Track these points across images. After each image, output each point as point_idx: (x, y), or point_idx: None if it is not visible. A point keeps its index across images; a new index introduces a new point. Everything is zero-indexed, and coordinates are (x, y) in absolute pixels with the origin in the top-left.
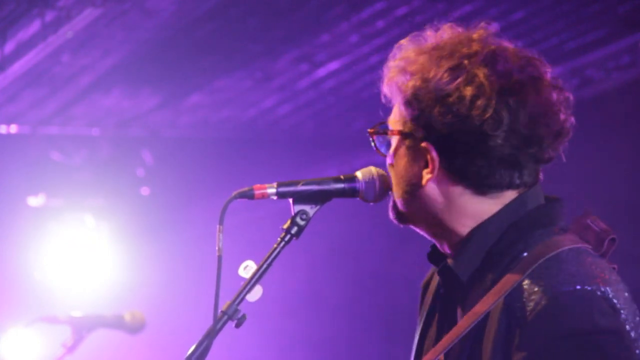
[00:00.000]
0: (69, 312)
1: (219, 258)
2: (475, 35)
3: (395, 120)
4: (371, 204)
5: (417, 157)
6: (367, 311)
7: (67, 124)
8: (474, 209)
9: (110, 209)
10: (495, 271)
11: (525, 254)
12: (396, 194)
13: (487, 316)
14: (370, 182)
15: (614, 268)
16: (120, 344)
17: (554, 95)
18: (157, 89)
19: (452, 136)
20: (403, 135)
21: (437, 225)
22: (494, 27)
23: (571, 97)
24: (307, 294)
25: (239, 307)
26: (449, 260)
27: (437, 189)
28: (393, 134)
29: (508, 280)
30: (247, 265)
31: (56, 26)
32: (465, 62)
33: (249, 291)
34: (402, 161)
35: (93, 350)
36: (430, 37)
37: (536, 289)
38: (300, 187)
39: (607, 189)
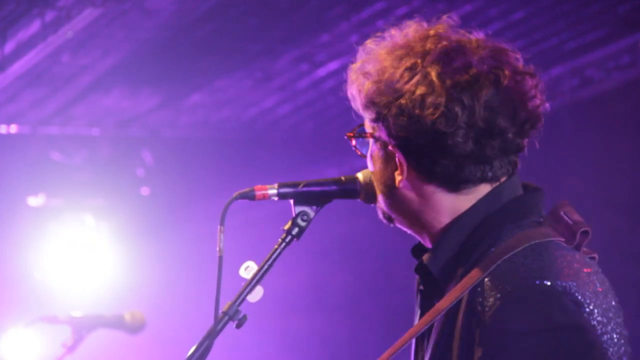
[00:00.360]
0: (69, 312)
1: (220, 258)
2: (432, 32)
3: (367, 123)
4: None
5: (389, 159)
6: (368, 311)
7: (67, 124)
8: (449, 206)
9: (110, 209)
10: (465, 265)
11: (493, 249)
12: (378, 195)
13: (456, 313)
14: (371, 183)
15: (593, 257)
16: (120, 344)
17: (521, 83)
18: (157, 89)
19: (410, 138)
20: (374, 138)
21: (417, 223)
22: (454, 18)
23: (542, 83)
24: (308, 294)
25: (239, 308)
26: (425, 256)
27: (410, 189)
28: (366, 137)
29: (473, 276)
30: (248, 266)
31: (56, 26)
32: (419, 61)
33: (249, 292)
34: (377, 163)
35: (93, 350)
36: (395, 36)
37: (496, 285)
38: (301, 188)
39: (607, 189)
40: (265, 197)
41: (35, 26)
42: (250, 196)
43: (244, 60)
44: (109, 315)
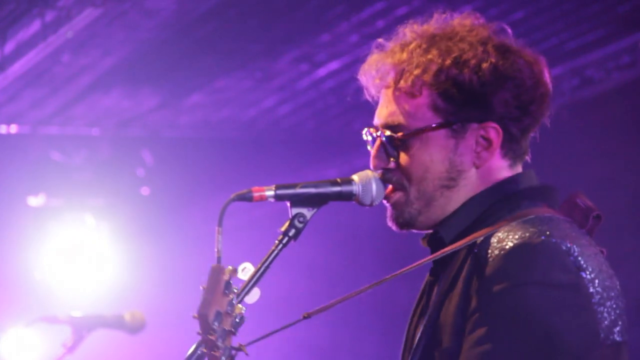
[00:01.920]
0: (69, 312)
1: (218, 259)
2: (487, 25)
3: (419, 116)
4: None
5: (469, 142)
6: (366, 312)
7: (67, 124)
8: (500, 179)
9: (110, 209)
10: (475, 230)
11: (507, 216)
12: (422, 193)
13: (462, 265)
14: (366, 185)
15: (602, 251)
16: (120, 344)
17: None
18: (157, 89)
19: (510, 110)
20: (446, 125)
21: (454, 208)
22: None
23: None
24: (306, 295)
25: None
26: (439, 228)
27: (485, 168)
28: (428, 131)
29: (482, 232)
30: (244, 268)
31: (56, 26)
32: (497, 42)
33: (247, 293)
34: (444, 153)
35: (93, 350)
36: (413, 32)
37: (505, 237)
38: (297, 190)
39: (607, 189)
40: (263, 199)
41: (35, 26)
42: (247, 198)
43: (244, 60)
44: (109, 315)
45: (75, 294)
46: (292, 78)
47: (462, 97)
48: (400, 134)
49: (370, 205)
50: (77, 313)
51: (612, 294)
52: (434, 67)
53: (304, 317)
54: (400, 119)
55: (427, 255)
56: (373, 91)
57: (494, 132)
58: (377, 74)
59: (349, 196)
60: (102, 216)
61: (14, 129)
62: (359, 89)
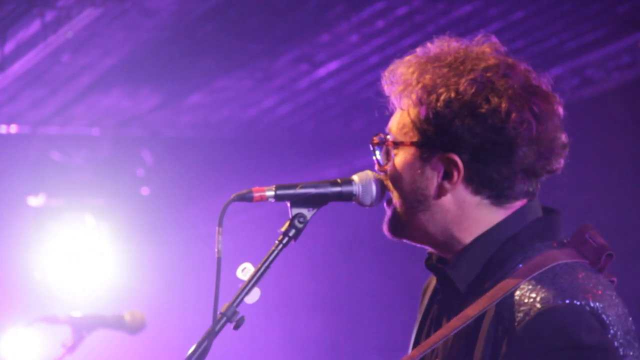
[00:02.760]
0: (69, 312)
1: (219, 260)
2: (487, 49)
3: (405, 131)
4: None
5: (435, 168)
6: (365, 312)
7: (67, 124)
8: (486, 219)
9: (110, 209)
10: (491, 280)
11: (521, 265)
12: (400, 207)
13: (479, 321)
14: (366, 186)
15: (612, 281)
16: (120, 344)
17: (559, 107)
18: (157, 89)
19: (483, 147)
20: (418, 145)
21: (442, 235)
22: (494, 37)
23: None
24: (305, 295)
25: (237, 309)
26: (448, 270)
27: (453, 200)
28: (405, 146)
29: (501, 288)
30: (244, 268)
31: (56, 26)
32: (489, 74)
33: (247, 293)
34: (412, 172)
35: (93, 350)
36: (438, 49)
37: (527, 300)
38: (298, 191)
39: (607, 189)
40: (263, 199)
41: (35, 26)
42: (247, 198)
43: (244, 60)
44: (109, 315)
45: (75, 294)
46: (292, 78)
47: (432, 122)
48: (387, 141)
49: (370, 205)
50: (77, 313)
51: (629, 337)
52: (419, 84)
53: None
54: (392, 128)
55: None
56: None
57: (453, 164)
58: (388, 87)
59: (349, 197)
60: (102, 216)
61: (14, 129)
62: (359, 89)
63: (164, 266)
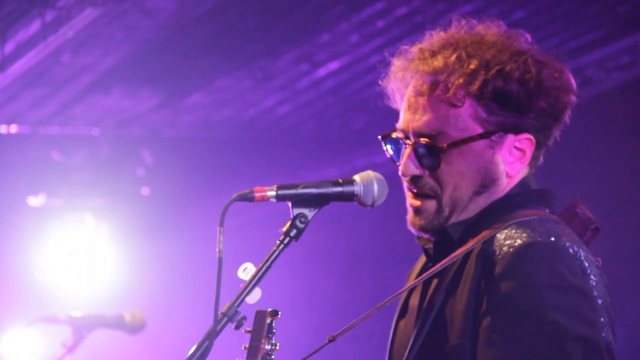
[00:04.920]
0: (69, 312)
1: (220, 260)
2: (515, 34)
3: (463, 127)
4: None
5: (506, 152)
6: (365, 303)
7: (67, 124)
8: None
9: (110, 209)
10: (482, 227)
11: (512, 213)
12: (453, 201)
13: (465, 261)
14: (368, 186)
15: (597, 261)
16: (120, 344)
17: None
18: (157, 89)
19: (545, 122)
20: (487, 136)
21: (477, 210)
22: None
23: None
24: (305, 295)
25: (238, 309)
26: (448, 226)
27: (514, 177)
28: (469, 142)
29: (489, 231)
30: (246, 268)
31: (56, 26)
32: (532, 52)
33: (248, 293)
34: (482, 162)
35: (93, 350)
36: (460, 33)
37: (513, 234)
38: (299, 191)
39: (607, 189)
40: (264, 199)
41: (35, 26)
42: (249, 198)
43: (244, 60)
44: (109, 315)
45: (75, 294)
46: (292, 78)
47: (504, 109)
48: (442, 144)
49: (372, 205)
50: (77, 313)
51: (608, 299)
52: (479, 78)
53: (329, 341)
54: (439, 127)
55: (422, 253)
56: (398, 97)
57: (528, 143)
58: (409, 81)
59: (350, 197)
60: (102, 216)
61: (14, 129)
62: (359, 89)
63: (164, 266)
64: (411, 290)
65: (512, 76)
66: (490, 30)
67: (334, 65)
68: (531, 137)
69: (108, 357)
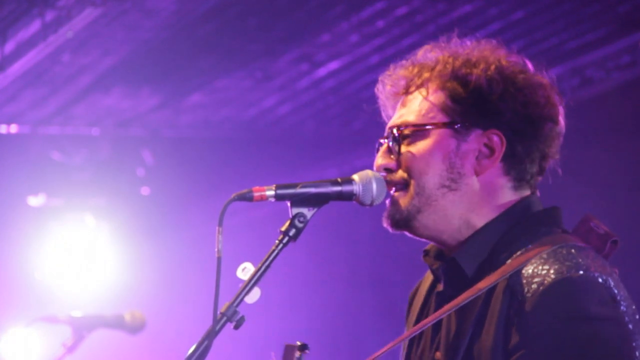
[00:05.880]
0: (69, 312)
1: (219, 259)
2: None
3: (430, 115)
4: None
5: (473, 146)
6: (364, 312)
7: (67, 124)
8: (503, 204)
9: (110, 209)
10: (500, 260)
11: (530, 245)
12: (423, 191)
13: (490, 296)
14: (367, 185)
15: (615, 272)
16: (120, 344)
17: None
18: (157, 89)
19: (519, 123)
20: (451, 125)
21: (459, 219)
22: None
23: None
24: (304, 295)
25: (237, 309)
26: (457, 257)
27: (483, 180)
28: (434, 129)
29: (512, 264)
30: (245, 267)
31: (56, 26)
32: (514, 57)
33: (247, 293)
34: (445, 152)
35: (93, 350)
36: (444, 49)
37: (540, 271)
38: (298, 190)
39: (607, 189)
40: (263, 199)
41: (35, 26)
42: (248, 197)
43: (244, 60)
44: (109, 315)
45: (75, 294)
46: (292, 78)
47: (470, 99)
48: (407, 129)
49: (371, 205)
50: (77, 313)
51: (637, 317)
52: (447, 67)
53: None
54: (408, 118)
55: (418, 269)
56: (390, 110)
57: (497, 139)
58: (391, 87)
59: (349, 196)
60: (102, 216)
61: (14, 129)
62: (359, 89)
63: (164, 266)
64: (420, 315)
65: (478, 65)
66: (481, 44)
67: (334, 65)
68: (500, 134)
69: (108, 357)
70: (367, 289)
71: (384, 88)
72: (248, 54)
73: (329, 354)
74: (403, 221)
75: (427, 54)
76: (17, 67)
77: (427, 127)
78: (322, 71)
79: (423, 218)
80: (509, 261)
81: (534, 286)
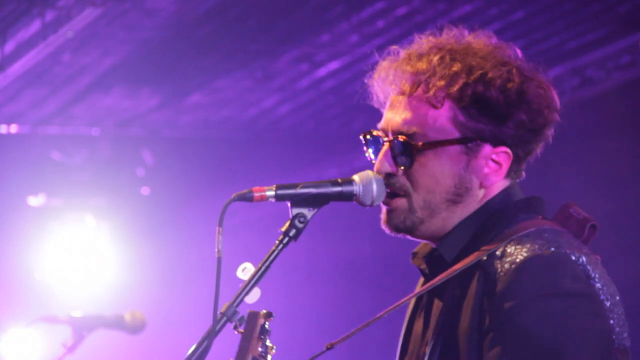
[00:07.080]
0: (69, 312)
1: (219, 259)
2: (502, 46)
3: (442, 128)
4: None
5: (482, 162)
6: (364, 312)
7: (67, 124)
8: (494, 195)
9: (110, 209)
10: (478, 246)
11: (506, 230)
12: (429, 203)
13: (466, 279)
14: (367, 185)
15: (597, 259)
16: (120, 344)
17: None
18: (157, 89)
19: (525, 134)
20: (464, 142)
21: (455, 222)
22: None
23: None
24: (304, 295)
25: (237, 309)
26: (439, 247)
27: (488, 189)
28: (445, 145)
29: (488, 248)
30: (245, 268)
31: (56, 26)
32: (519, 63)
33: (247, 293)
34: (456, 168)
35: (93, 350)
36: (449, 39)
37: (513, 251)
38: (298, 190)
39: (607, 189)
40: (263, 199)
41: (35, 26)
42: (248, 198)
43: (244, 60)
44: (109, 315)
45: (75, 294)
46: (292, 78)
47: (483, 115)
48: (419, 142)
49: (371, 205)
50: (77, 313)
51: (616, 299)
52: (460, 81)
53: (327, 349)
54: (417, 127)
55: (417, 272)
56: (382, 96)
57: (505, 156)
58: (392, 80)
59: (349, 196)
60: (102, 216)
61: (14, 129)
62: (359, 89)
63: (164, 266)
64: (414, 313)
65: (494, 83)
66: (479, 40)
67: (334, 65)
68: (509, 150)
69: (108, 357)
70: (367, 289)
71: (383, 78)
72: (248, 54)
73: (329, 354)
74: (405, 229)
75: (432, 49)
76: (17, 67)
77: (439, 142)
78: (322, 71)
79: (425, 228)
80: (486, 246)
81: (507, 265)
